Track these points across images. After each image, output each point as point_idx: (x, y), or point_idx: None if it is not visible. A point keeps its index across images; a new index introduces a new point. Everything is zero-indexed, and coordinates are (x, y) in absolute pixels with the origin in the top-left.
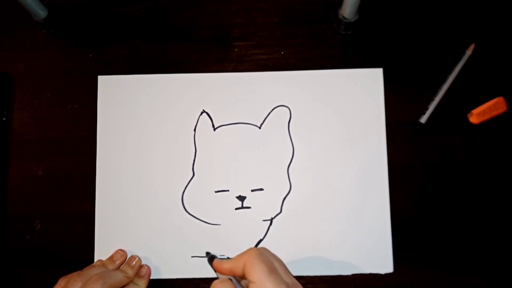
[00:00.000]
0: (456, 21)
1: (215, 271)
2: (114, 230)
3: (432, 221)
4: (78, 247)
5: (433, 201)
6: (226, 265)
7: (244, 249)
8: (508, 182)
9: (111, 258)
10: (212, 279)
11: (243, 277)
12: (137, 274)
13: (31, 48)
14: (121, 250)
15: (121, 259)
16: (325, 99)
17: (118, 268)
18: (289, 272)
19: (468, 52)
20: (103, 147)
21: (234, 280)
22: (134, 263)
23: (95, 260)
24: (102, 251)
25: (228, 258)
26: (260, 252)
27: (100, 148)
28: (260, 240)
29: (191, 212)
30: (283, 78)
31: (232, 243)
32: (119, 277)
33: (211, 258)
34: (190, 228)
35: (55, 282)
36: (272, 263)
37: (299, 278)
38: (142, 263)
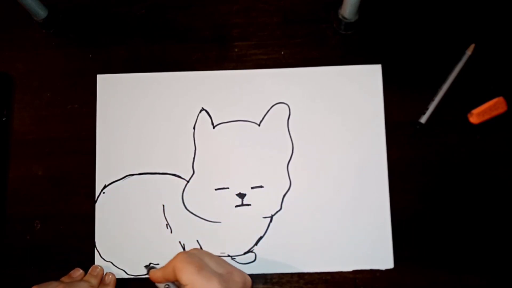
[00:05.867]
0: (456, 21)
1: (153, 282)
2: (114, 230)
3: (432, 220)
4: (78, 247)
5: (433, 201)
6: (158, 274)
7: (245, 247)
8: (508, 182)
9: (90, 273)
10: None
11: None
12: (102, 282)
13: (31, 48)
14: (99, 266)
15: (101, 273)
16: (324, 96)
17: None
18: (225, 262)
19: (468, 52)
20: (103, 146)
21: (172, 286)
22: (96, 272)
23: (95, 260)
24: (102, 251)
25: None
26: (186, 254)
27: (99, 146)
28: (261, 237)
29: (191, 210)
30: (281, 75)
31: (233, 240)
32: (82, 287)
33: (149, 270)
34: (191, 226)
35: None
36: (200, 261)
37: (299, 275)
38: (106, 272)
